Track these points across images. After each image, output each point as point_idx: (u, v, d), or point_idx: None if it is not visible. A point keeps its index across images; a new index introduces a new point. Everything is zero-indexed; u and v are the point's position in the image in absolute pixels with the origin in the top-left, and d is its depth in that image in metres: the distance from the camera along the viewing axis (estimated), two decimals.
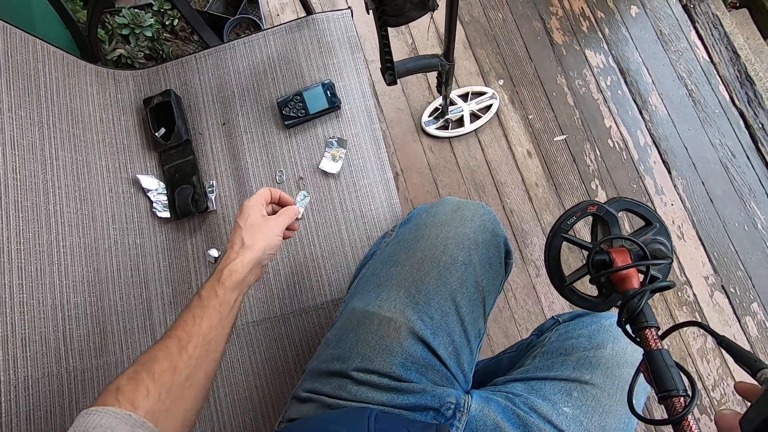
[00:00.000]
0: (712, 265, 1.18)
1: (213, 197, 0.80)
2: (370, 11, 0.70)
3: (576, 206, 0.55)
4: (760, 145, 1.27)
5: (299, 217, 0.69)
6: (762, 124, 1.30)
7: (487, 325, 0.68)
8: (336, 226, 0.78)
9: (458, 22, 1.42)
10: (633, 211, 0.56)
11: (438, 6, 0.71)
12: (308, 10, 0.89)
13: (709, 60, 1.36)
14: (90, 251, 0.70)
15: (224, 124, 0.84)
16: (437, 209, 0.70)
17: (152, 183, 0.80)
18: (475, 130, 1.30)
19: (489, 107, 1.31)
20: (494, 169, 1.28)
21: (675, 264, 1.19)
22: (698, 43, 1.37)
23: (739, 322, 1.13)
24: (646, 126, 1.30)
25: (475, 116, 1.31)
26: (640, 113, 1.32)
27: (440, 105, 1.27)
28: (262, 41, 0.86)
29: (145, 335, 0.73)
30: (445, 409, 0.56)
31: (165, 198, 0.81)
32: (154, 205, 0.80)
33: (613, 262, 0.50)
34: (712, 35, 1.39)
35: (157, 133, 0.82)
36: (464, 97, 1.32)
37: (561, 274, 0.57)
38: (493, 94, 1.32)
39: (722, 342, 0.41)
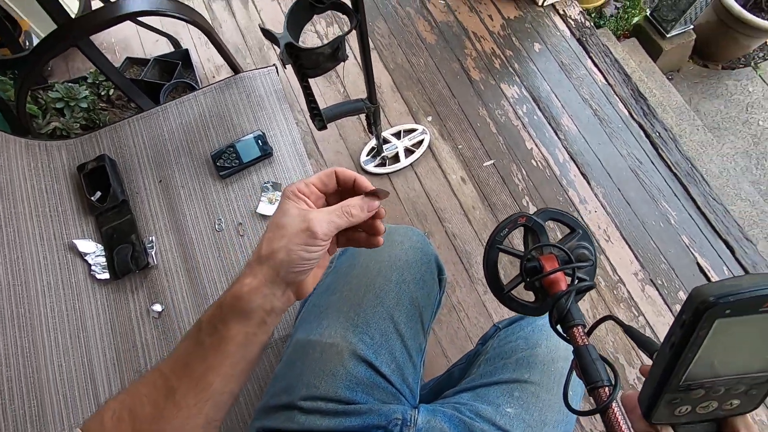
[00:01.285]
0: (639, 261, 1.29)
1: (153, 252, 0.81)
2: (287, 66, 0.78)
3: (507, 219, 0.59)
4: (660, 151, 1.44)
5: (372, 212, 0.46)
6: (659, 133, 1.48)
7: (428, 339, 0.72)
8: None
9: (384, 68, 1.55)
10: (558, 219, 0.62)
11: (347, 57, 0.80)
12: (235, 70, 0.96)
13: (606, 83, 1.55)
14: (24, 322, 0.68)
15: (161, 181, 0.86)
16: None
17: (89, 246, 0.81)
18: (411, 164, 1.39)
19: (421, 142, 1.41)
20: (433, 198, 1.37)
21: (607, 264, 1.29)
22: (594, 69, 1.57)
23: (671, 310, 1.22)
24: (562, 144, 1.45)
25: (409, 151, 1.40)
26: (556, 134, 1.46)
27: (375, 144, 1.36)
28: (194, 101, 0.92)
29: (88, 402, 0.71)
30: (392, 425, 0.58)
31: (104, 259, 0.81)
32: (93, 267, 0.80)
33: (543, 268, 0.54)
34: (605, 62, 1.59)
35: (92, 197, 0.83)
36: (397, 135, 1.42)
37: (499, 283, 0.61)
38: (424, 129, 1.43)
39: (627, 330, 0.45)
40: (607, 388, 0.41)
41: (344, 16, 0.82)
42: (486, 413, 0.61)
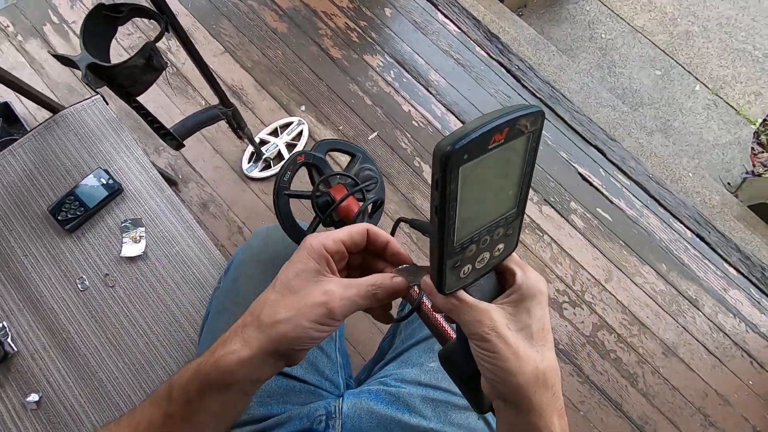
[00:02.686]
0: (531, 187, 1.38)
1: (8, 340, 0.69)
2: (96, 88, 0.69)
3: (286, 162, 0.58)
4: (522, 81, 1.53)
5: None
6: (517, 66, 1.57)
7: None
8: (162, 304, 0.73)
9: (242, 68, 1.47)
10: (336, 149, 0.62)
11: (167, 64, 0.73)
12: (53, 110, 0.84)
13: (459, 30, 1.60)
14: None
15: None
16: (250, 243, 0.71)
17: None
18: None
19: (301, 133, 1.37)
20: None
21: None
22: (446, 20, 1.61)
23: (568, 221, 1.32)
24: (436, 99, 1.48)
25: (291, 146, 1.35)
26: (428, 91, 1.49)
27: (254, 149, 1.29)
28: (10, 157, 0.79)
29: None
30: (316, 423, 0.56)
31: None
32: None
33: (334, 199, 0.55)
34: (454, 11, 1.64)
35: None
36: (274, 132, 1.36)
37: (298, 230, 0.59)
38: (300, 120, 1.38)
39: (412, 223, 0.47)
40: (416, 287, 0.42)
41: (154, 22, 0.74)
42: (410, 376, 0.61)
